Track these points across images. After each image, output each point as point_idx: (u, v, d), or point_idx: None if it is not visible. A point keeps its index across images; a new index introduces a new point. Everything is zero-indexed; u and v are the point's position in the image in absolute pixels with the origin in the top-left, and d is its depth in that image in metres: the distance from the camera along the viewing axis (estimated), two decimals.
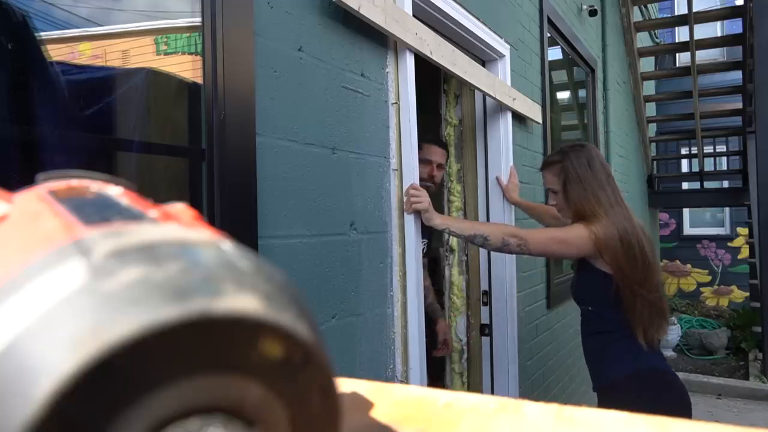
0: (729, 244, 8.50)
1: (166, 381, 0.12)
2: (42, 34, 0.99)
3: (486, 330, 2.47)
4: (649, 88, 6.64)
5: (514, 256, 2.51)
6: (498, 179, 2.46)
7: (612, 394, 1.64)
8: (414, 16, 1.72)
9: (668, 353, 5.80)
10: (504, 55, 2.52)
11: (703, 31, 6.32)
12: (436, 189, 2.28)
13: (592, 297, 1.70)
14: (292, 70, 1.28)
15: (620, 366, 1.62)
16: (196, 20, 1.14)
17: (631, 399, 1.54)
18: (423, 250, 2.29)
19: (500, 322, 2.44)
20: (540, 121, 2.93)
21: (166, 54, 1.26)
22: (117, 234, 0.14)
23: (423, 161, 2.18)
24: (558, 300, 3.16)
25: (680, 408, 1.59)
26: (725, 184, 7.49)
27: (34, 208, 0.17)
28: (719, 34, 7.90)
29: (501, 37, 2.50)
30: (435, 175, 2.24)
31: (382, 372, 1.58)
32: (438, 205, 2.10)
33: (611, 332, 1.65)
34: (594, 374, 1.75)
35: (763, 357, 4.85)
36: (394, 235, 1.65)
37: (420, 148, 2.21)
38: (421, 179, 2.14)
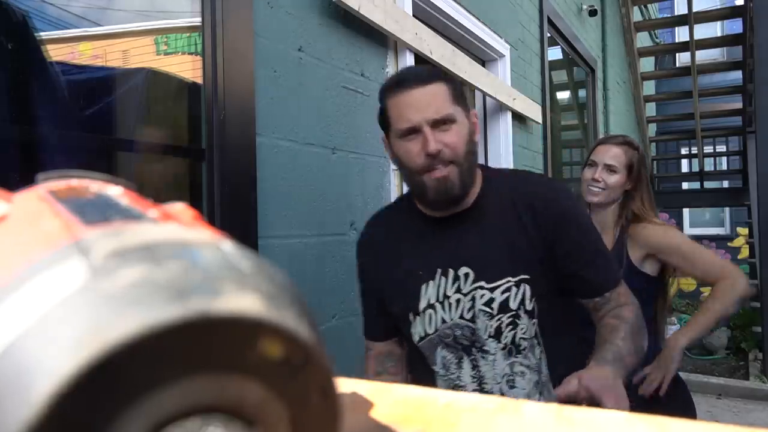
0: (729, 244, 8.47)
1: (166, 381, 0.12)
2: (42, 34, 0.99)
3: None
4: (649, 88, 6.64)
5: None
6: None
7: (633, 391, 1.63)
8: (414, 16, 1.72)
9: None
10: (504, 55, 2.52)
11: (703, 31, 6.31)
12: None
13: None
14: (292, 70, 1.28)
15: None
16: (196, 20, 1.14)
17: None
18: None
19: None
20: (540, 121, 2.93)
21: (166, 54, 1.26)
22: (117, 234, 0.14)
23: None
24: None
25: (687, 411, 1.59)
26: (725, 184, 7.49)
27: (34, 208, 0.17)
28: (719, 34, 7.90)
29: (501, 37, 2.50)
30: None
31: None
32: None
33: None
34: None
35: (763, 357, 4.85)
36: None
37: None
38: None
